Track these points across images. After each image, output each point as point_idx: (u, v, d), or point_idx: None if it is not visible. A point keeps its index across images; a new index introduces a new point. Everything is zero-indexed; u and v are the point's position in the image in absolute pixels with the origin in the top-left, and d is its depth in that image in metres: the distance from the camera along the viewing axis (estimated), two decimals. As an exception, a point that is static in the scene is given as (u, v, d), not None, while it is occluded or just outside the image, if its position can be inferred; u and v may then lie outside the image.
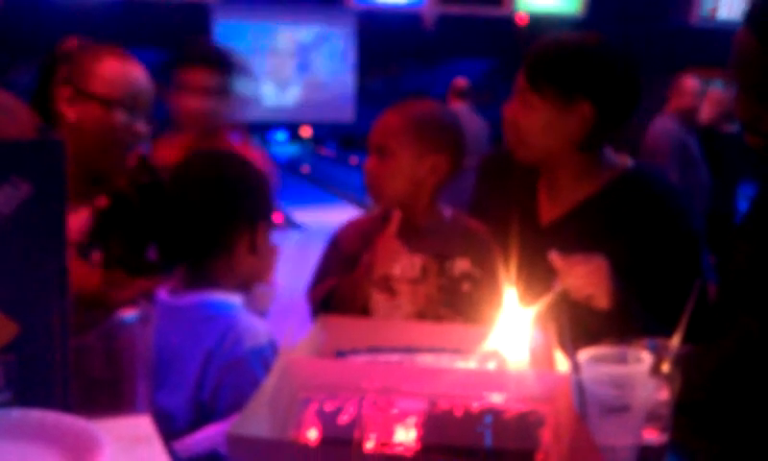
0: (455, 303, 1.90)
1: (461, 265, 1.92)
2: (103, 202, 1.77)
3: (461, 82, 7.43)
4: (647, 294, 1.70)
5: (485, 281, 1.89)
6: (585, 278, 1.61)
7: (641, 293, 1.70)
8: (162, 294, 1.74)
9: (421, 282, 1.90)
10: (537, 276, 1.62)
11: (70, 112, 1.95)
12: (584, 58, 1.79)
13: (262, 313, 1.81)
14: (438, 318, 1.88)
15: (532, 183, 1.93)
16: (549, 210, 1.90)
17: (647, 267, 1.75)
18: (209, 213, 1.68)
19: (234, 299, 1.70)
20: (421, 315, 1.89)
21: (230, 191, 1.70)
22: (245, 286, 1.74)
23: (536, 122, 1.80)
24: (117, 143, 2.00)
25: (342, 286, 1.90)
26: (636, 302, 1.67)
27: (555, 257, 1.61)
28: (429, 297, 1.90)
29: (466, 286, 1.91)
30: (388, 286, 1.88)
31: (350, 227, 2.04)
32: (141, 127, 2.02)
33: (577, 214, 1.86)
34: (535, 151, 1.84)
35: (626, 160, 1.89)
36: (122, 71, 2.01)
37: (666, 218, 1.78)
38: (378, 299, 1.89)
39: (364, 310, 1.87)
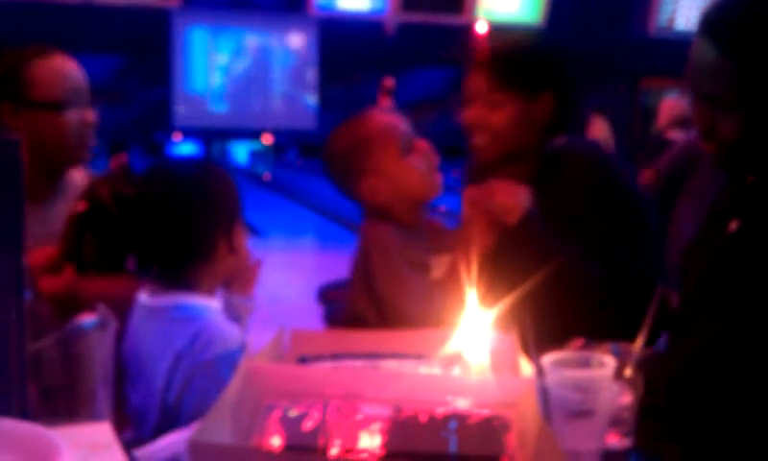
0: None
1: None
2: (82, 206, 1.76)
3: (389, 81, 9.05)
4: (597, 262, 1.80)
5: None
6: (503, 190, 1.83)
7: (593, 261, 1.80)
8: (142, 295, 1.73)
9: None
10: (500, 275, 1.62)
11: (20, 125, 1.93)
12: (543, 53, 2.00)
13: (242, 324, 1.82)
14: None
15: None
16: None
17: (589, 236, 1.83)
18: (193, 218, 1.68)
19: (212, 303, 1.71)
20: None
21: (210, 195, 1.71)
22: (225, 283, 1.78)
23: (507, 118, 1.90)
24: (74, 141, 2.00)
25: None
26: (548, 235, 1.80)
27: (470, 193, 1.86)
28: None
29: None
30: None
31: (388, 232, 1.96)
32: (90, 115, 2.02)
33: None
34: (507, 145, 1.92)
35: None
36: (58, 70, 1.99)
37: (597, 186, 1.89)
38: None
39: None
